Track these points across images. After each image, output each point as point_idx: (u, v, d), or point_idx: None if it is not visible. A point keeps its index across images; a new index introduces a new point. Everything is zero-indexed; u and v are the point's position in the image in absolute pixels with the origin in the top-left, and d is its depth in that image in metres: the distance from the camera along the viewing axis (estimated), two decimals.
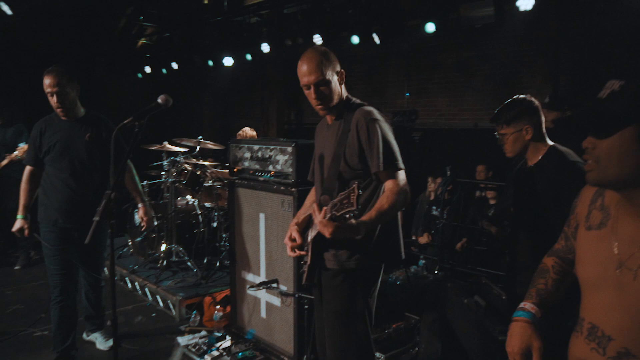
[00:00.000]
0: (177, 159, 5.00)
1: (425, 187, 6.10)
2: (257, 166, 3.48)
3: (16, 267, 5.35)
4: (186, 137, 5.23)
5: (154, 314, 4.26)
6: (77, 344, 3.31)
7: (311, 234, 2.09)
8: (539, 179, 2.20)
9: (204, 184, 4.96)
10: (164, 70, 8.55)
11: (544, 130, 2.25)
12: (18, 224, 3.17)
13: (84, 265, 3.30)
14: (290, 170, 3.21)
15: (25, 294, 4.58)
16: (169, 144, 5.13)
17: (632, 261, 1.23)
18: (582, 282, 1.41)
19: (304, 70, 2.06)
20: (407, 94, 7.68)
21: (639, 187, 1.22)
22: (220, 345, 3.50)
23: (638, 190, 1.22)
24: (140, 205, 3.45)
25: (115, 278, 5.04)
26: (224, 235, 5.00)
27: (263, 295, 3.53)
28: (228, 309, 3.94)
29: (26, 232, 3.18)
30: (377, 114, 2.09)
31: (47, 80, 3.02)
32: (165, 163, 5.18)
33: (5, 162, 4.89)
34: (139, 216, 3.48)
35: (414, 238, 5.86)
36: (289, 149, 3.21)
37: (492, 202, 5.56)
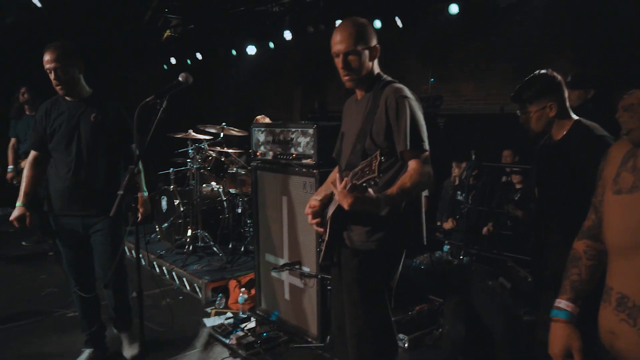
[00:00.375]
0: (202, 146, 5.06)
1: (450, 174, 6.03)
2: (279, 149, 3.49)
3: (50, 253, 5.53)
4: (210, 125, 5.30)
5: (180, 297, 4.35)
6: (106, 327, 3.27)
7: (331, 209, 2.08)
8: (565, 154, 2.14)
9: (229, 171, 5.02)
10: (189, 61, 8.65)
11: (568, 105, 2.18)
12: (16, 212, 2.86)
13: (95, 258, 3.05)
14: (312, 152, 3.22)
15: (58, 278, 4.72)
16: (194, 132, 5.20)
17: None
18: (610, 248, 1.36)
19: (336, 38, 2.04)
20: (432, 80, 7.57)
21: None
22: (245, 326, 3.55)
23: None
24: (138, 194, 3.08)
25: (143, 263, 5.19)
26: (248, 221, 5.06)
27: (286, 277, 3.56)
28: (253, 291, 3.99)
29: (27, 220, 2.88)
30: (407, 91, 2.03)
31: (46, 56, 2.79)
32: (190, 150, 5.25)
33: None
34: (138, 206, 3.06)
35: (439, 224, 5.81)
36: (311, 131, 3.21)
37: (518, 186, 5.46)
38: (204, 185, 5.29)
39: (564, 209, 2.12)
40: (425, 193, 2.17)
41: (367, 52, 2.05)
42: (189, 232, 4.92)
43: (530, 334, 2.92)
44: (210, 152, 5.02)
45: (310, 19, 6.46)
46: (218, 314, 3.92)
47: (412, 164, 1.94)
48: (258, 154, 3.71)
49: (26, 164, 3.01)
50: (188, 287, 4.43)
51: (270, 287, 3.75)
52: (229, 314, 3.85)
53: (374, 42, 2.08)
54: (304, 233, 3.37)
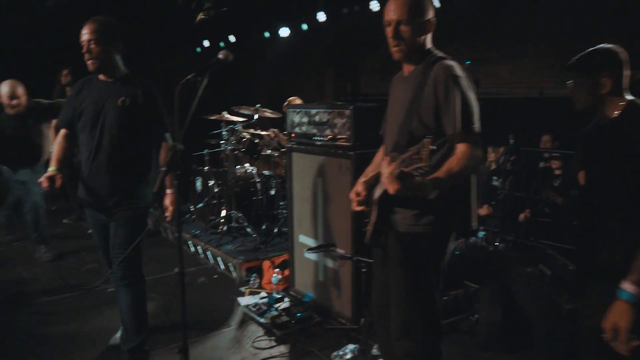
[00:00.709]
0: (236, 128, 5.09)
1: (486, 159, 5.90)
2: (315, 130, 3.47)
3: (89, 231, 5.68)
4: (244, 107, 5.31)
5: (215, 276, 4.42)
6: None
7: (377, 192, 2.03)
8: (619, 134, 2.03)
9: (262, 153, 5.04)
10: (222, 44, 8.68)
11: (624, 85, 2.07)
12: (47, 173, 2.71)
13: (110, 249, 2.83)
14: (348, 133, 3.19)
15: (98, 255, 4.87)
16: (228, 113, 5.23)
17: None
18: None
19: (390, 7, 1.96)
20: (468, 62, 7.38)
21: None
22: (279, 306, 3.58)
23: None
24: (168, 191, 2.81)
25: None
26: (281, 203, 5.08)
27: (320, 258, 3.56)
28: (286, 272, 4.02)
29: (58, 182, 2.69)
30: (459, 69, 1.93)
31: (82, 29, 2.64)
32: (224, 132, 5.29)
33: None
34: (165, 204, 2.85)
35: None
36: (347, 112, 3.17)
37: (557, 172, 5.30)
38: (238, 166, 5.32)
39: (618, 194, 2.01)
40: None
41: (420, 24, 1.96)
42: (223, 213, 4.98)
43: (571, 322, 2.85)
44: (245, 133, 5.04)
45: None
46: (252, 293, 3.97)
47: (461, 147, 1.86)
48: (293, 135, 3.70)
49: (55, 140, 2.92)
50: (222, 267, 4.49)
51: (304, 268, 3.77)
52: (263, 294, 3.88)
53: (429, 15, 1.98)
54: (338, 215, 3.36)
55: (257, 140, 5.01)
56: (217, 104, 5.51)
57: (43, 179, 2.73)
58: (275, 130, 5.16)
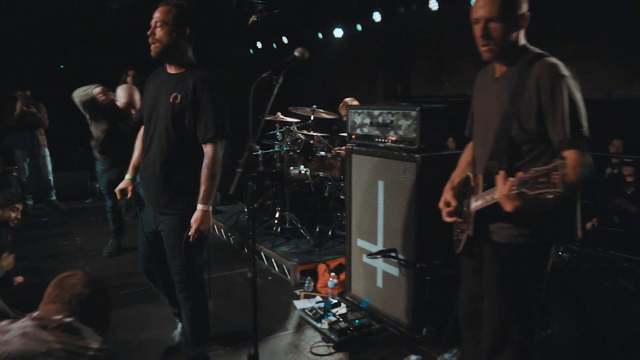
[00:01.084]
0: (291, 128, 5.03)
1: None
2: (377, 132, 3.35)
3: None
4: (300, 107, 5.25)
5: (269, 277, 4.37)
6: None
7: (474, 203, 1.90)
8: None
9: (317, 154, 4.96)
10: (275, 45, 8.69)
11: None
12: (122, 184, 2.72)
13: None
14: (414, 135, 3.04)
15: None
16: (282, 114, 5.18)
17: None
18: None
19: (479, 3, 1.80)
20: None
21: None
22: (337, 311, 3.48)
23: None
24: (199, 207, 2.45)
25: (232, 242, 5.30)
26: (335, 205, 4.99)
27: (380, 264, 3.43)
28: (342, 276, 3.91)
29: (129, 194, 2.70)
30: (563, 68, 1.76)
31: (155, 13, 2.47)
32: (278, 133, 5.25)
33: None
34: (191, 221, 2.46)
35: None
36: (414, 114, 3.03)
37: (629, 179, 4.95)
38: (292, 167, 5.27)
39: None
40: None
41: (512, 20, 1.79)
42: (277, 214, 4.93)
43: None
44: (300, 134, 4.98)
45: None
46: (307, 296, 3.88)
47: (571, 155, 1.67)
48: (353, 136, 3.59)
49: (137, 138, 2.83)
50: (277, 268, 4.44)
51: (362, 273, 3.65)
52: (319, 298, 3.80)
53: (522, 9, 1.81)
54: (400, 219, 3.22)
55: (312, 142, 4.94)
56: (270, 106, 5.48)
57: (117, 191, 2.73)
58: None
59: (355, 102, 4.98)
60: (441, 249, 3.10)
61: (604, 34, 5.99)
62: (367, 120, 3.42)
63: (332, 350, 3.09)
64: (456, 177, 2.10)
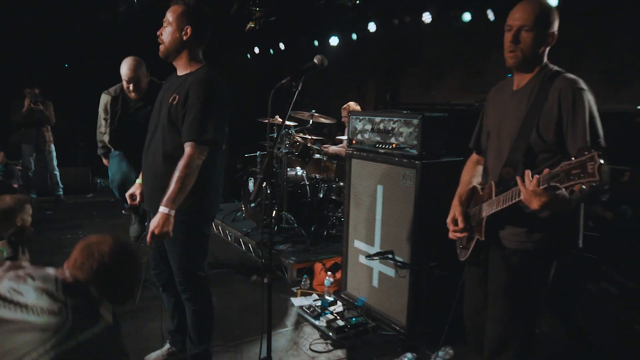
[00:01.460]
0: (290, 132, 4.99)
1: None
2: (378, 138, 3.32)
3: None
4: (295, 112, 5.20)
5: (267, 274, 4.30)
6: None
7: (487, 209, 1.87)
8: None
9: (313, 157, 4.92)
10: (272, 51, 8.62)
11: None
12: (132, 189, 2.61)
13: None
14: (415, 142, 3.02)
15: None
16: (280, 117, 5.13)
17: None
18: None
19: (516, 13, 1.82)
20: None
21: None
22: (334, 309, 3.44)
23: None
24: (160, 209, 2.17)
25: (230, 239, 5.22)
26: (329, 205, 4.95)
27: (376, 265, 3.41)
28: (337, 275, 3.88)
29: (138, 199, 2.57)
30: (583, 83, 1.78)
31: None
32: (275, 135, 5.20)
33: None
34: (150, 224, 2.22)
35: None
36: (415, 122, 3.01)
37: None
38: (289, 169, 5.22)
39: None
40: None
41: (543, 35, 1.81)
42: (274, 214, 4.87)
43: None
44: (297, 137, 4.93)
45: (397, 10, 6.19)
46: (304, 294, 3.84)
47: None
48: (354, 142, 3.55)
49: None
50: (274, 266, 4.38)
51: (357, 273, 3.61)
52: (315, 296, 3.75)
53: (553, 28, 1.83)
54: (398, 222, 3.19)
55: (309, 145, 4.90)
56: (264, 108, 5.39)
57: (127, 195, 2.59)
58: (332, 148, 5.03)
59: (358, 108, 4.97)
60: (436, 251, 3.10)
61: (629, 38, 5.44)
62: (368, 127, 3.39)
63: (330, 347, 3.05)
64: (462, 192, 2.09)
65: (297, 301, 3.68)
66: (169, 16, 2.28)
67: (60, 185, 6.63)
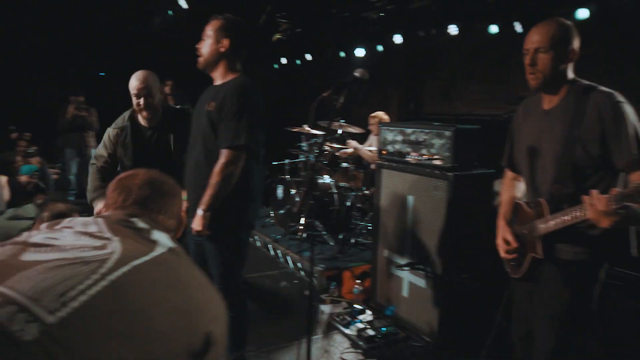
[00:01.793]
0: (318, 140, 4.95)
1: None
2: (409, 149, 3.24)
3: None
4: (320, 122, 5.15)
5: (296, 281, 4.25)
6: None
7: (543, 225, 1.79)
8: None
9: (341, 165, 4.86)
10: (299, 62, 8.62)
11: None
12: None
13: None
14: (447, 154, 2.93)
15: None
16: (308, 126, 5.09)
17: None
18: None
19: (531, 35, 1.80)
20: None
21: None
22: (363, 318, 3.36)
23: None
24: (197, 210, 2.23)
25: (258, 244, 5.19)
26: (356, 214, 4.88)
27: (406, 275, 3.32)
28: (366, 283, 3.79)
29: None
30: (619, 95, 1.72)
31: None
32: (304, 145, 5.17)
33: None
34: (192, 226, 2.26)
35: None
36: (448, 134, 2.92)
37: None
38: (317, 177, 5.17)
39: None
40: None
41: (561, 53, 1.76)
42: (303, 220, 4.83)
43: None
44: (326, 146, 4.88)
45: (422, 23, 6.10)
46: (333, 302, 3.77)
47: (637, 177, 1.64)
48: (384, 152, 3.48)
49: None
50: (303, 273, 4.33)
51: (387, 282, 3.53)
52: (344, 304, 3.68)
53: (572, 45, 1.78)
54: (429, 233, 3.10)
55: (337, 153, 4.84)
56: (292, 117, 5.36)
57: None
58: (353, 142, 4.97)
59: (387, 118, 4.92)
60: (467, 263, 3.01)
61: None
62: (399, 138, 3.32)
63: (361, 357, 2.97)
64: (506, 212, 2.04)
65: (327, 308, 3.61)
66: (208, 30, 2.32)
67: None
